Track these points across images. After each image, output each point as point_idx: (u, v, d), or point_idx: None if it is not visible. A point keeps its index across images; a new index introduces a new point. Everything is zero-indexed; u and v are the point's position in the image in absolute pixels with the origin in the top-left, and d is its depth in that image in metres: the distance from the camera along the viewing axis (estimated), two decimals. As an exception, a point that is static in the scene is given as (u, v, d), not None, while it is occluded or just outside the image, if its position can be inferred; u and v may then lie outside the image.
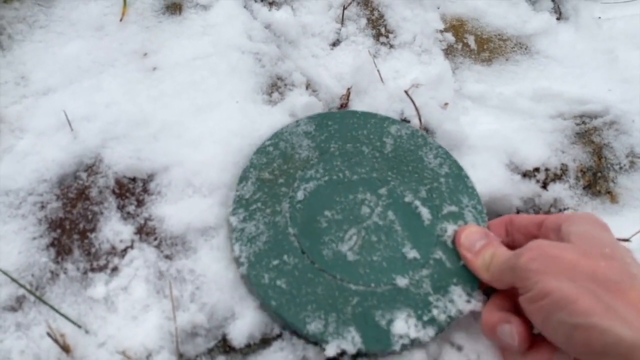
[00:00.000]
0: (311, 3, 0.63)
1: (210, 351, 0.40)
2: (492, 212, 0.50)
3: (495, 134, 0.54)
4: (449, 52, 0.63)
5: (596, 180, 0.54)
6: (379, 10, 0.64)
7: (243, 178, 0.45)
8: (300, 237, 0.43)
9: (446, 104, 0.55)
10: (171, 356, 0.38)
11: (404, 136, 0.50)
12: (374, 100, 0.54)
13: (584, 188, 0.53)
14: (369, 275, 0.42)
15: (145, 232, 0.44)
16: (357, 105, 0.54)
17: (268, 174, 0.46)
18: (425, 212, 0.45)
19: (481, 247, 0.41)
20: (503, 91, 0.59)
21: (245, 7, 0.58)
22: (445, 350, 0.41)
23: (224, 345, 0.40)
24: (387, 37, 0.62)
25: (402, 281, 0.42)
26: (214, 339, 0.40)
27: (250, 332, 0.40)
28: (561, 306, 0.33)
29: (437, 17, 0.64)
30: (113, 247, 0.42)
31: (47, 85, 0.49)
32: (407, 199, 0.46)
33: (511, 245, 0.42)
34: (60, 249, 0.42)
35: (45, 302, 0.39)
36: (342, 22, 0.62)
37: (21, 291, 0.40)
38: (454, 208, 0.46)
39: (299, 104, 0.51)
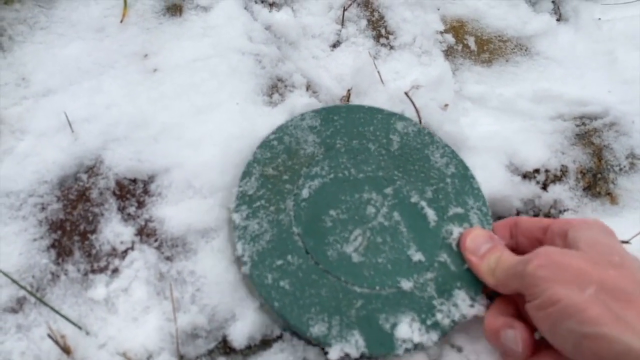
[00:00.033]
0: (311, 4, 0.63)
1: (210, 352, 0.40)
2: (492, 213, 0.50)
3: (495, 135, 0.54)
4: (449, 53, 0.63)
5: (596, 181, 0.54)
6: (379, 12, 0.64)
7: (246, 173, 0.45)
8: (304, 236, 0.42)
9: (446, 105, 0.55)
10: (172, 357, 0.38)
11: (410, 134, 0.49)
12: (374, 101, 0.54)
13: (583, 189, 0.53)
14: (374, 277, 0.41)
15: (145, 233, 0.44)
16: (357, 106, 0.54)
17: (272, 170, 0.45)
18: (431, 214, 0.45)
19: (486, 250, 0.41)
20: (503, 92, 0.59)
21: (245, 8, 0.58)
22: (446, 351, 0.41)
23: (225, 346, 0.40)
24: (387, 38, 0.62)
25: (406, 284, 0.41)
26: (215, 340, 0.40)
27: (250, 334, 0.40)
28: (570, 314, 0.32)
29: (437, 18, 0.64)
30: (113, 249, 0.43)
31: (48, 87, 0.49)
32: (413, 200, 0.45)
33: (515, 248, 0.42)
34: (60, 251, 0.42)
35: (45, 304, 0.39)
36: (343, 23, 0.62)
37: (22, 292, 0.40)
38: (459, 210, 0.45)
39: (299, 105, 0.51)
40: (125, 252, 0.43)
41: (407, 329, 0.39)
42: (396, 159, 0.48)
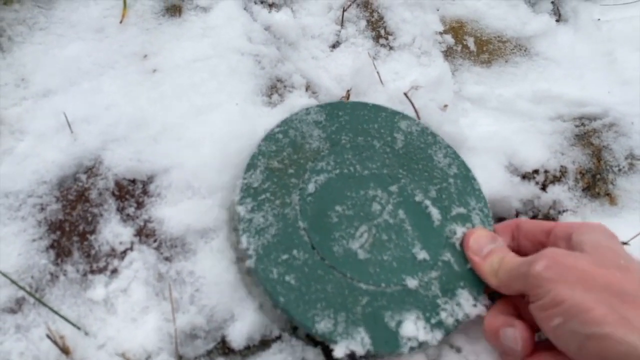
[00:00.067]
0: (311, 5, 0.63)
1: (209, 353, 0.40)
2: (491, 214, 0.50)
3: (495, 135, 0.55)
4: (448, 53, 0.63)
5: (595, 182, 0.54)
6: (378, 12, 0.64)
7: (251, 165, 0.44)
8: (310, 231, 0.42)
9: (445, 105, 0.55)
10: (170, 358, 0.38)
11: (414, 133, 0.50)
12: (373, 102, 0.54)
13: (583, 190, 0.53)
14: (379, 274, 0.41)
15: (144, 234, 0.44)
16: (357, 107, 0.54)
17: (277, 163, 0.44)
18: (435, 213, 0.45)
19: (489, 251, 0.41)
20: (502, 93, 0.59)
21: (245, 9, 0.58)
22: (445, 352, 0.41)
23: (223, 347, 0.40)
24: (386, 39, 0.62)
25: (411, 282, 0.41)
26: (213, 340, 0.40)
27: (249, 334, 0.40)
28: (574, 315, 0.32)
29: (436, 18, 0.64)
30: (113, 249, 0.43)
31: (47, 87, 0.49)
32: (417, 198, 0.45)
33: (516, 251, 0.41)
34: (59, 251, 0.42)
35: (44, 304, 0.39)
36: (342, 24, 0.62)
37: (21, 293, 0.40)
38: (462, 210, 0.46)
39: (299, 105, 0.51)
40: (125, 252, 0.43)
41: (413, 327, 0.39)
42: (400, 157, 0.48)
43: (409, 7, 0.64)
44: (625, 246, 0.44)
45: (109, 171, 0.45)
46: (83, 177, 0.45)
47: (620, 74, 0.62)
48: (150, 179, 0.46)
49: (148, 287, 0.41)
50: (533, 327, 0.37)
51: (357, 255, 0.42)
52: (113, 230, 0.43)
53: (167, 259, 0.43)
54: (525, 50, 0.65)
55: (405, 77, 0.58)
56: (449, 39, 0.64)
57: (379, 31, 0.63)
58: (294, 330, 0.41)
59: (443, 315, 0.40)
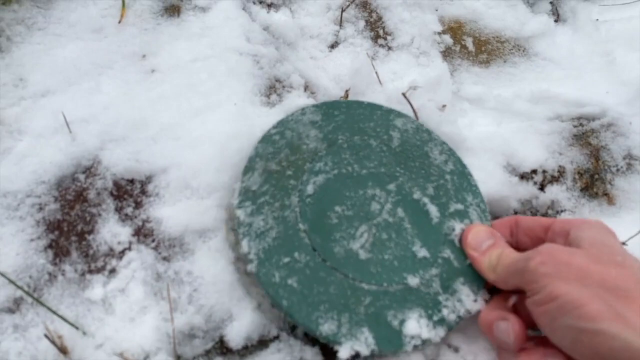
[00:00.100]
0: (310, 5, 0.63)
1: (207, 353, 0.40)
2: (490, 213, 0.50)
3: (493, 135, 0.55)
4: (447, 54, 0.63)
5: (593, 182, 0.54)
6: (377, 13, 0.64)
7: (249, 168, 0.44)
8: (311, 233, 0.42)
9: (444, 106, 0.55)
10: (169, 357, 0.38)
11: (409, 130, 0.50)
12: (372, 102, 0.54)
13: (581, 190, 0.53)
14: (381, 274, 0.41)
15: (143, 233, 0.44)
16: (355, 107, 0.54)
17: (275, 165, 0.44)
18: (433, 210, 0.45)
19: (488, 247, 0.41)
20: (501, 93, 0.59)
21: (243, 9, 0.58)
22: (443, 351, 0.41)
23: (221, 346, 0.40)
24: (385, 39, 0.62)
25: (413, 280, 0.41)
26: (212, 340, 0.40)
27: (247, 334, 0.40)
28: (568, 310, 0.33)
29: (435, 19, 0.64)
30: (111, 249, 0.43)
31: (46, 87, 0.49)
32: (415, 196, 0.46)
33: (515, 247, 0.42)
34: (58, 251, 0.42)
35: (42, 304, 0.39)
36: (341, 24, 0.62)
37: (19, 293, 0.40)
38: (460, 206, 0.46)
39: (297, 105, 0.51)
40: (123, 252, 0.43)
41: (415, 325, 0.39)
42: (397, 155, 0.48)
43: (408, 7, 0.64)
44: (623, 246, 0.44)
45: (108, 171, 0.45)
46: (81, 177, 0.45)
47: (619, 74, 0.62)
48: (149, 179, 0.46)
49: (146, 286, 0.41)
50: (528, 321, 0.37)
51: (358, 256, 0.42)
52: (111, 230, 0.43)
53: (165, 258, 0.43)
54: (523, 51, 0.65)
55: (404, 77, 0.58)
56: (448, 39, 0.64)
57: (377, 31, 0.63)
58: (292, 330, 0.41)
59: (445, 312, 0.40)
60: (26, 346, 0.38)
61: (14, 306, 0.40)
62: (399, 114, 0.51)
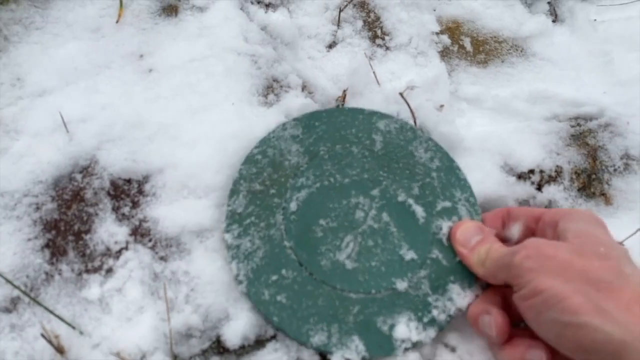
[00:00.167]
0: (307, 5, 0.63)
1: (204, 352, 0.40)
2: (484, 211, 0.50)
3: (491, 135, 0.55)
4: (444, 54, 0.63)
5: (591, 182, 0.54)
6: (375, 13, 0.64)
7: (234, 192, 0.45)
8: (296, 249, 0.43)
9: (442, 106, 0.55)
10: (165, 357, 0.38)
11: (392, 131, 0.50)
12: (369, 102, 0.54)
13: (578, 190, 0.53)
14: (369, 281, 0.42)
15: (140, 233, 0.44)
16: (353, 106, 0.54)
17: (259, 185, 0.45)
18: (419, 210, 0.45)
19: (476, 242, 0.42)
20: (498, 93, 0.59)
21: (241, 9, 0.58)
22: (439, 351, 0.41)
23: (218, 346, 0.40)
24: (383, 39, 0.62)
25: (401, 284, 0.42)
26: (208, 340, 0.40)
27: (244, 334, 0.40)
28: (552, 304, 0.33)
29: (433, 19, 0.64)
30: (108, 249, 0.43)
31: (43, 87, 0.49)
32: (400, 198, 0.46)
33: (507, 238, 0.42)
34: (55, 250, 0.42)
35: (39, 304, 0.39)
36: (339, 24, 0.62)
37: (16, 292, 0.40)
38: (447, 203, 0.46)
39: (295, 105, 0.52)
40: (120, 252, 0.43)
41: (405, 329, 0.40)
42: (380, 159, 0.48)
43: (406, 7, 0.64)
44: (609, 235, 0.44)
45: (105, 171, 0.45)
46: (78, 176, 0.45)
47: (616, 74, 0.62)
48: (146, 178, 0.46)
49: (143, 286, 0.41)
50: (513, 315, 0.38)
51: (345, 266, 0.42)
52: (108, 230, 0.43)
53: (162, 258, 0.43)
54: (521, 51, 0.65)
55: (402, 78, 0.58)
56: (446, 39, 0.64)
57: (375, 31, 0.63)
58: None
59: (435, 312, 0.41)
60: (23, 346, 0.38)
61: (11, 306, 0.40)
62: (382, 115, 0.51)
